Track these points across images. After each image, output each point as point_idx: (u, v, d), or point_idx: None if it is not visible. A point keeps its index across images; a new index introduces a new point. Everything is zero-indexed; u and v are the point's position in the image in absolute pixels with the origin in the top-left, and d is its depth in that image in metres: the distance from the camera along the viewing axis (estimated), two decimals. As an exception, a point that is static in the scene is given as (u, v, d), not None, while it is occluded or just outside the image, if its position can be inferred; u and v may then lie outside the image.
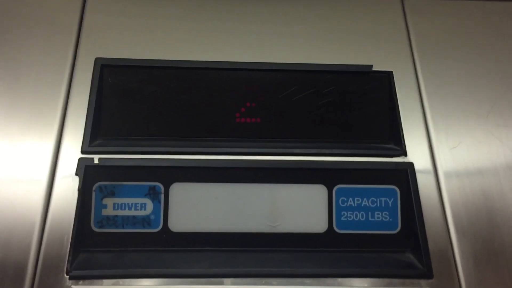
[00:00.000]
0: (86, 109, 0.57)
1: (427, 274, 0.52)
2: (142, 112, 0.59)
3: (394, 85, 0.62)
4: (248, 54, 0.63)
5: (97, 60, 0.60)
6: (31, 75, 0.59)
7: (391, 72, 0.63)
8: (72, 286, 0.49)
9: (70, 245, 0.51)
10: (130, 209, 0.54)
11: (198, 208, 0.55)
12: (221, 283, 0.51)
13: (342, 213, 0.56)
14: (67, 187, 0.54)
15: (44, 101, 0.57)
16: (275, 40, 0.64)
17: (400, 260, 0.55)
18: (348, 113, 0.61)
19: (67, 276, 0.50)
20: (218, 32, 0.64)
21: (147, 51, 0.62)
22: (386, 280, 0.52)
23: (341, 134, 0.60)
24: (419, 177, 0.57)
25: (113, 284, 0.50)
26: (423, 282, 0.52)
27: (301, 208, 0.56)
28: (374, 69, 0.63)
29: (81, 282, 0.50)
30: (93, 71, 0.59)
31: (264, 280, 0.51)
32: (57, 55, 0.60)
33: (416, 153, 0.59)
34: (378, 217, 0.56)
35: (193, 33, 0.64)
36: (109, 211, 0.54)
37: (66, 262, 0.50)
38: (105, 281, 0.50)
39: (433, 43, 0.66)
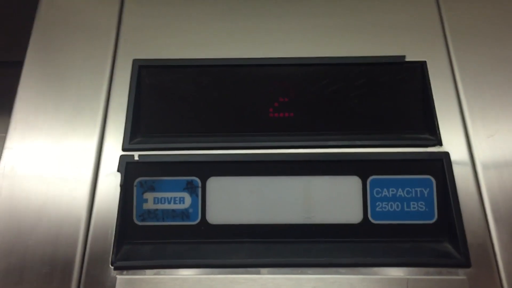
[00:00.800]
0: (125, 109, 0.60)
1: (465, 262, 0.52)
2: (178, 110, 0.61)
3: (428, 75, 0.62)
4: (279, 50, 0.64)
5: (134, 61, 0.62)
6: (74, 78, 0.62)
7: (425, 62, 0.62)
8: (117, 276, 0.52)
9: (114, 238, 0.54)
10: (169, 203, 0.56)
11: (234, 201, 0.56)
12: (258, 273, 0.52)
13: (377, 204, 0.56)
14: (110, 183, 0.56)
15: (86, 103, 0.60)
16: (305, 34, 0.65)
17: (436, 249, 0.54)
18: (381, 105, 0.61)
19: (112, 267, 0.53)
20: (248, 30, 0.66)
21: (182, 51, 0.64)
22: (423, 270, 0.52)
23: (374, 126, 0.61)
24: (455, 167, 0.57)
25: (155, 274, 0.52)
26: (460, 271, 0.52)
27: (335, 200, 0.56)
28: (407, 59, 0.62)
29: (125, 272, 0.52)
30: (131, 72, 0.62)
31: (300, 269, 0.52)
32: (97, 58, 0.63)
33: (451, 142, 0.58)
34: (414, 207, 0.56)
35: (224, 32, 0.65)
36: (149, 205, 0.56)
37: (111, 254, 0.53)
38: (147, 271, 0.53)
39: (467, 31, 0.65)
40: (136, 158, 0.57)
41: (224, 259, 0.53)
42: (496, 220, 0.54)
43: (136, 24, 0.66)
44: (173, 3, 0.68)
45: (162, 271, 0.53)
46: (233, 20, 0.66)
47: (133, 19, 0.66)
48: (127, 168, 0.56)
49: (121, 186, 0.56)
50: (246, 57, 0.63)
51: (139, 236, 0.56)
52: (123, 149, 0.58)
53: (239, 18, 0.67)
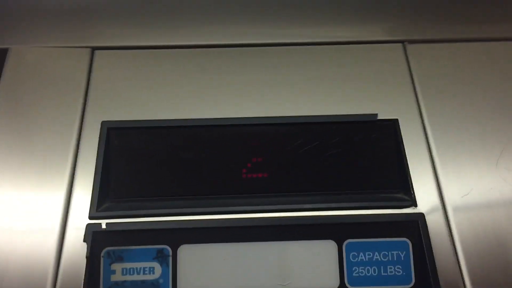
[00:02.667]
0: (93, 172, 0.58)
1: (444, 331, 0.51)
2: (149, 173, 0.59)
3: (400, 132, 0.62)
4: (251, 109, 0.63)
5: (103, 123, 0.61)
6: (40, 141, 0.60)
7: (397, 120, 0.63)
8: None
9: (80, 313, 0.51)
10: (138, 273, 0.54)
11: (207, 269, 0.54)
12: None
13: (353, 269, 0.55)
14: (76, 253, 0.54)
15: (52, 167, 0.58)
16: (277, 92, 0.65)
17: (415, 316, 0.53)
18: (356, 163, 0.61)
19: None
20: (221, 88, 0.65)
21: (152, 111, 0.63)
22: None
23: (349, 185, 0.60)
24: (431, 228, 0.56)
25: None
26: None
27: (311, 265, 0.55)
28: (379, 117, 0.62)
29: None
30: (100, 134, 0.60)
31: None
32: (65, 120, 0.62)
33: (426, 202, 0.58)
34: (391, 271, 0.55)
35: (195, 92, 0.64)
36: (117, 277, 0.54)
37: (76, 332, 0.50)
38: None
39: (438, 87, 0.66)
40: (104, 226, 0.55)
41: (196, 334, 0.51)
42: (473, 283, 0.53)
43: (105, 85, 0.65)
44: (143, 62, 0.67)
45: None
46: (204, 80, 0.66)
47: (102, 79, 0.65)
48: (93, 237, 0.54)
49: (87, 257, 0.53)
50: (218, 117, 0.62)
51: (106, 310, 0.53)
52: (90, 217, 0.55)
53: (210, 77, 0.66)
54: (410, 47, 0.70)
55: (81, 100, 0.63)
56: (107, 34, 0.69)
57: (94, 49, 0.68)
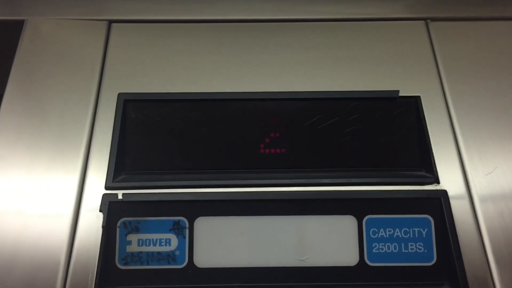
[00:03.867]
0: (109, 145, 0.57)
1: (467, 308, 0.49)
2: (165, 146, 0.58)
3: (423, 110, 0.60)
4: (270, 84, 0.62)
5: (120, 95, 0.60)
6: (55, 112, 0.59)
7: (419, 97, 0.61)
8: (98, 325, 0.48)
9: (95, 283, 0.50)
10: (154, 245, 0.53)
11: (223, 242, 0.53)
12: (250, 321, 0.49)
13: (373, 245, 0.54)
14: (92, 224, 0.53)
15: (68, 138, 0.58)
16: (297, 68, 0.64)
17: (437, 294, 0.52)
18: (376, 141, 0.59)
19: (92, 315, 0.49)
20: (238, 63, 0.64)
21: (169, 84, 0.62)
22: (423, 316, 0.50)
23: (369, 163, 0.59)
24: (454, 205, 0.54)
25: (138, 324, 0.49)
26: (463, 317, 0.49)
27: (330, 241, 0.54)
28: (400, 94, 0.61)
29: (106, 321, 0.49)
30: (116, 106, 0.59)
31: (294, 317, 0.49)
32: (81, 92, 0.61)
33: (449, 180, 0.56)
34: (412, 249, 0.54)
35: (214, 65, 0.63)
36: (133, 248, 0.53)
37: (91, 301, 0.49)
38: (130, 320, 0.49)
39: (461, 65, 0.64)
40: (120, 197, 0.54)
41: (213, 306, 0.50)
42: (497, 261, 0.52)
43: (122, 58, 0.64)
44: (160, 36, 0.66)
45: (146, 320, 0.49)
46: (223, 53, 0.65)
47: (119, 52, 0.64)
48: (110, 207, 0.53)
49: (103, 227, 0.52)
50: (236, 91, 0.61)
51: (121, 281, 0.52)
52: (106, 188, 0.54)
53: (229, 51, 0.65)
54: (433, 25, 0.68)
55: (97, 72, 0.62)
56: (124, 7, 0.68)
57: (111, 22, 0.67)
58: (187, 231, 0.53)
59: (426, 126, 0.59)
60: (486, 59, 0.65)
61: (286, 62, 0.64)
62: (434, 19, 0.68)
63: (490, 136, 0.59)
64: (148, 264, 0.52)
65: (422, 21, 0.68)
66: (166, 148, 0.58)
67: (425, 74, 0.64)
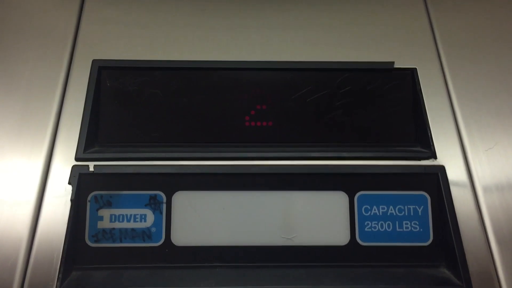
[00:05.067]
0: (81, 114, 0.53)
1: (467, 291, 0.46)
2: (142, 116, 0.54)
3: (419, 82, 0.56)
4: (256, 53, 0.58)
5: (94, 62, 0.56)
6: (24, 80, 0.55)
7: (415, 69, 0.57)
8: (62, 308, 0.44)
9: (61, 262, 0.46)
10: (128, 221, 0.49)
11: (204, 219, 0.49)
12: (230, 303, 0.45)
13: (365, 223, 0.50)
14: (59, 198, 0.49)
15: (37, 107, 0.53)
16: (286, 37, 0.60)
17: (433, 275, 0.48)
18: (369, 115, 0.55)
19: (57, 297, 0.44)
20: (223, 29, 0.60)
21: (148, 52, 0.57)
22: (418, 299, 0.46)
23: (361, 137, 0.55)
24: (452, 182, 0.51)
25: (108, 305, 0.44)
26: (462, 301, 0.46)
27: (319, 218, 0.50)
28: (396, 66, 0.57)
29: (72, 303, 0.44)
30: (90, 73, 0.55)
31: (278, 299, 0.45)
32: (52, 58, 0.56)
33: (447, 155, 0.53)
34: (407, 227, 0.50)
35: (196, 32, 0.59)
36: (105, 224, 0.48)
37: (56, 281, 0.45)
38: (99, 302, 0.45)
39: (458, 37, 0.61)
40: (91, 169, 0.49)
41: (191, 287, 0.46)
42: (498, 241, 0.49)
43: (97, 23, 0.59)
44: (138, 1, 0.61)
45: (117, 301, 0.45)
46: (205, 18, 0.60)
47: (94, 17, 0.60)
48: (80, 180, 0.49)
49: (71, 200, 0.48)
50: (219, 59, 0.57)
51: (91, 259, 0.48)
52: (76, 159, 0.50)
53: (213, 18, 0.61)
54: (430, -4, 0.64)
55: (70, 38, 0.58)
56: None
57: (86, -15, 0.62)
58: (164, 206, 0.49)
59: (423, 100, 0.56)
60: (484, 32, 0.61)
61: (273, 31, 0.60)
62: (431, -10, 0.65)
63: (489, 111, 0.55)
64: (121, 241, 0.48)
65: (419, -7, 0.65)
66: (143, 119, 0.54)
67: (422, 46, 0.60)
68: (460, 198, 0.50)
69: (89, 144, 0.52)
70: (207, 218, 0.49)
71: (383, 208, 0.50)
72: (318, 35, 0.60)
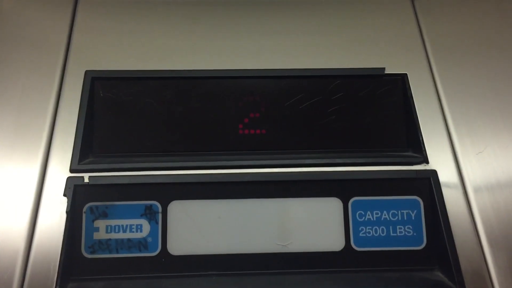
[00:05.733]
0: (75, 125, 0.53)
1: (461, 293, 0.46)
2: (136, 126, 0.54)
3: (410, 88, 0.57)
4: (249, 61, 0.58)
5: (87, 72, 0.56)
6: (17, 91, 0.55)
7: (405, 74, 0.58)
8: (60, 320, 0.44)
9: (58, 274, 0.46)
10: (124, 231, 0.49)
11: (199, 228, 0.49)
12: (227, 311, 0.45)
13: (360, 229, 0.50)
14: (55, 209, 0.49)
15: (30, 118, 0.53)
16: (277, 45, 0.60)
17: (428, 278, 0.49)
18: (361, 121, 0.56)
19: (54, 310, 0.44)
20: (215, 38, 0.60)
21: (141, 61, 0.57)
22: (414, 303, 0.47)
23: (354, 143, 0.55)
24: (444, 186, 0.52)
25: (105, 317, 0.45)
26: (456, 303, 0.46)
27: (314, 225, 0.50)
28: (387, 72, 0.58)
29: (69, 315, 0.44)
30: (83, 84, 0.55)
31: (275, 306, 0.45)
32: (45, 69, 0.56)
33: (438, 160, 0.53)
34: (401, 232, 0.51)
35: (189, 41, 0.59)
36: (101, 235, 0.49)
37: (53, 293, 0.45)
38: (96, 313, 0.45)
39: (448, 42, 0.61)
40: (86, 180, 0.50)
41: (188, 296, 0.46)
42: (491, 243, 0.49)
43: (90, 33, 0.59)
44: (131, 10, 0.62)
45: (114, 312, 0.45)
46: (198, 29, 0.61)
47: (86, 27, 0.60)
48: (75, 191, 0.49)
49: (67, 212, 0.48)
50: (212, 68, 0.57)
51: (88, 271, 0.48)
52: (71, 170, 0.50)
53: (205, 27, 0.61)
54: (419, 2, 0.65)
55: (63, 48, 0.58)
56: (93, -20, 0.64)
57: (78, -5, 0.62)
58: (160, 216, 0.49)
59: (414, 105, 0.56)
60: (473, 36, 0.62)
61: (266, 39, 0.61)
62: (419, -4, 0.66)
63: (479, 115, 0.56)
64: (117, 252, 0.48)
65: (408, -1, 0.66)
66: (137, 129, 0.54)
67: (412, 52, 0.61)
68: (453, 201, 0.51)
69: (83, 155, 0.52)
70: (202, 227, 0.49)
71: (376, 213, 0.51)
72: (309, 42, 0.61)
